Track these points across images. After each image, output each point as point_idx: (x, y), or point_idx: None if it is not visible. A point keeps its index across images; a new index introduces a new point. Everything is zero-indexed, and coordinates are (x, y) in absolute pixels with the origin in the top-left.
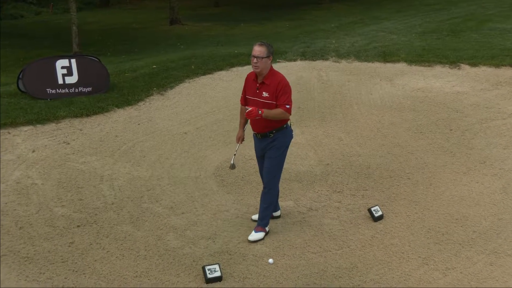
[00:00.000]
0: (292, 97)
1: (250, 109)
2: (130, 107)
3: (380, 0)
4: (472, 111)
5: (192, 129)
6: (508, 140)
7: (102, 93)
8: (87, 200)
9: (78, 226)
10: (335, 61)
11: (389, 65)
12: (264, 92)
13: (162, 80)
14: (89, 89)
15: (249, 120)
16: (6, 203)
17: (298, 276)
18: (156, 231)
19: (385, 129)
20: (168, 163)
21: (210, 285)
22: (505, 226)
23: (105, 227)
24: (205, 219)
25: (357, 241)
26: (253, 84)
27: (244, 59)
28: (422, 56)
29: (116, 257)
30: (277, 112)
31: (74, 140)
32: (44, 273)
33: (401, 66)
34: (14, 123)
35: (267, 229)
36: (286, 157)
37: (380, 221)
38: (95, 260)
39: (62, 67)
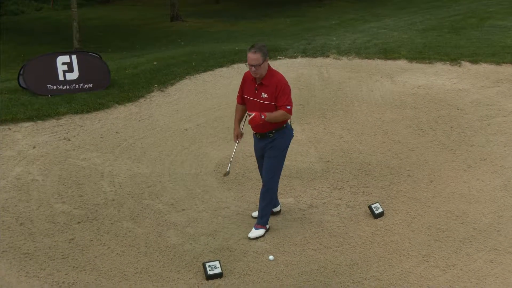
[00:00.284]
0: (293, 94)
1: (252, 115)
2: (131, 103)
3: None
4: (472, 109)
5: (193, 126)
6: (509, 137)
7: (103, 89)
8: (88, 196)
9: (78, 222)
10: (336, 58)
11: (389, 62)
12: (263, 93)
13: (163, 77)
14: (90, 85)
15: (246, 119)
16: (6, 199)
17: (299, 273)
18: (156, 228)
19: (386, 126)
20: (169, 159)
21: (210, 281)
22: (505, 223)
23: (106, 224)
24: (205, 216)
25: (357, 238)
26: (251, 84)
27: (244, 56)
28: (422, 53)
29: (117, 253)
30: (278, 114)
31: (74, 136)
32: (44, 269)
33: (402, 63)
34: (15, 119)
35: (267, 226)
36: (287, 154)
37: (381, 218)
38: (96, 257)
39: (63, 63)
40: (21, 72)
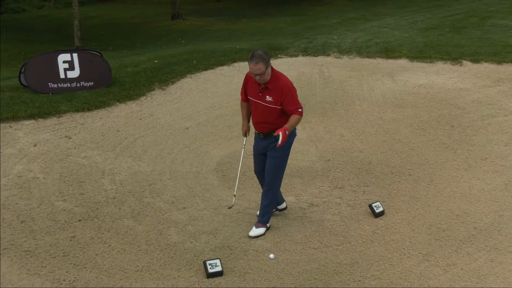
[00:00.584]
0: None
1: (280, 137)
2: (132, 102)
3: None
4: (473, 108)
5: (194, 124)
6: (510, 137)
7: (104, 87)
8: (89, 194)
9: (79, 220)
10: (336, 57)
11: (390, 61)
12: (267, 96)
13: (164, 75)
14: (91, 83)
15: (251, 119)
16: (7, 197)
17: (299, 272)
18: (157, 226)
19: (387, 125)
20: (170, 158)
21: (211, 279)
22: (506, 222)
23: (107, 222)
24: (206, 214)
25: (358, 237)
26: (255, 86)
27: (245, 54)
28: (424, 52)
29: (118, 251)
30: (294, 121)
31: (75, 134)
32: (45, 267)
33: (403, 62)
34: (16, 117)
35: (268, 224)
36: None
37: (381, 217)
38: (97, 254)
39: (64, 62)
40: (22, 70)
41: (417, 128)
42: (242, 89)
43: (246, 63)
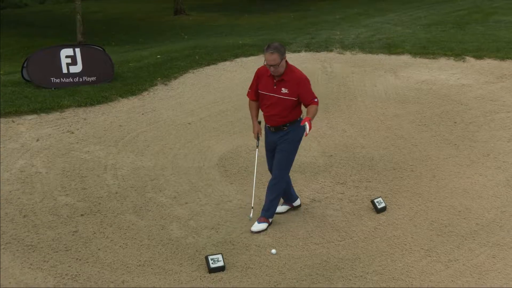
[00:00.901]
0: None
1: (307, 127)
2: (134, 97)
3: None
4: (476, 104)
5: (196, 120)
6: None
7: (106, 82)
8: (91, 189)
9: (82, 215)
10: (339, 53)
11: (393, 57)
12: (283, 89)
13: (166, 70)
14: (93, 78)
15: (262, 113)
16: (10, 192)
17: (301, 267)
18: (159, 221)
19: (389, 121)
20: (172, 153)
21: (213, 274)
22: (508, 218)
23: (109, 216)
24: (208, 209)
25: (360, 232)
26: (268, 80)
27: (248, 49)
28: (426, 48)
29: (120, 246)
30: (313, 110)
31: (78, 129)
32: (47, 261)
33: (406, 58)
34: (18, 112)
35: (270, 220)
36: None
37: (383, 213)
38: (99, 249)
39: (67, 56)
40: (25, 65)
41: (420, 124)
42: (251, 87)
43: (249, 58)
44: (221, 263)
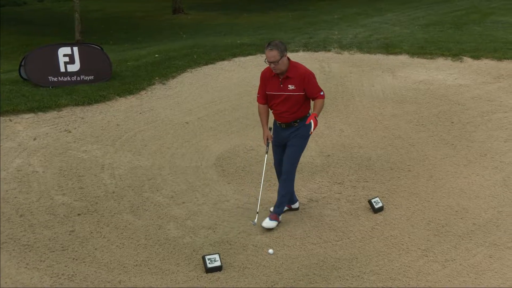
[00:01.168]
0: None
1: (312, 124)
2: (132, 96)
3: None
4: (473, 104)
5: (194, 119)
6: (509, 133)
7: (104, 81)
8: (88, 188)
9: (78, 214)
10: (337, 53)
11: (391, 57)
12: (289, 85)
13: (164, 70)
14: (91, 77)
15: (272, 112)
16: (7, 191)
17: (298, 267)
18: (156, 221)
19: (387, 121)
20: (169, 152)
21: (210, 274)
22: (504, 218)
23: (106, 216)
24: (205, 209)
25: (357, 232)
26: (274, 80)
27: (246, 49)
28: (424, 49)
29: (117, 245)
30: (320, 105)
31: (75, 128)
32: (44, 261)
33: (404, 58)
34: (16, 111)
35: (280, 218)
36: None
37: (380, 213)
38: (96, 249)
39: (64, 55)
40: (22, 63)
41: (417, 124)
42: (259, 92)
43: (247, 58)
44: (218, 263)
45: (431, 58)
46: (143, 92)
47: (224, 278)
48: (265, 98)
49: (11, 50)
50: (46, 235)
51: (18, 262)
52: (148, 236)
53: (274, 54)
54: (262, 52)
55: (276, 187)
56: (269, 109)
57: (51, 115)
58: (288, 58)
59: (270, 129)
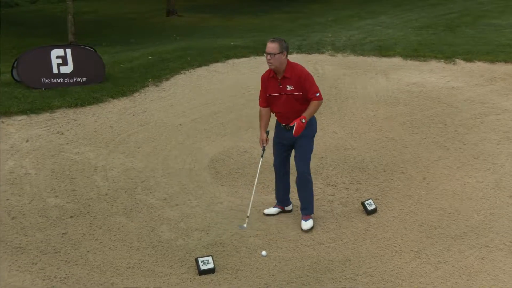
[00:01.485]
0: None
1: (295, 127)
2: (125, 98)
3: None
4: (466, 106)
5: (187, 121)
6: (502, 135)
7: (97, 83)
8: (81, 190)
9: (71, 216)
10: (331, 55)
11: (384, 59)
12: (288, 86)
13: (158, 72)
14: (84, 79)
15: (275, 114)
16: None
17: (291, 269)
18: (149, 223)
19: (380, 123)
20: (163, 154)
21: (203, 277)
22: (497, 220)
23: (99, 218)
24: (198, 211)
25: (350, 234)
26: (272, 82)
27: (240, 51)
28: (417, 51)
29: (109, 248)
30: (313, 106)
31: (68, 130)
32: (36, 264)
33: (397, 60)
34: (8, 113)
35: (312, 215)
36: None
37: (373, 215)
38: (88, 251)
39: (57, 57)
40: (15, 65)
41: (410, 126)
42: (260, 96)
43: (241, 60)
44: (211, 265)
45: (424, 61)
46: (136, 94)
47: (217, 280)
48: (266, 101)
49: (3, 52)
50: (38, 237)
51: (10, 265)
52: (141, 239)
53: (273, 46)
54: (256, 54)
55: (270, 189)
56: (272, 113)
57: (43, 117)
58: (288, 60)
59: (267, 132)
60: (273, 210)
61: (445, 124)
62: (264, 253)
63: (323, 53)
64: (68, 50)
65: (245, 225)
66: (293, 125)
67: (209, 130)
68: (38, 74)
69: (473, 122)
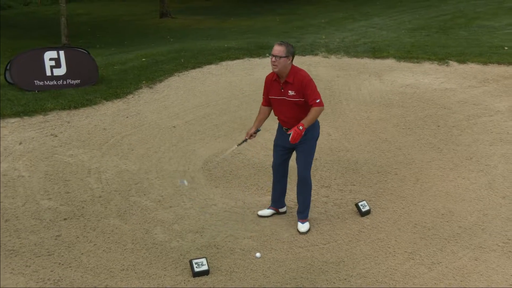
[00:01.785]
0: None
1: (292, 135)
2: (119, 100)
3: None
4: (459, 108)
5: (181, 123)
6: (494, 136)
7: (91, 85)
8: (74, 193)
9: (65, 219)
10: (324, 57)
11: (378, 61)
12: (290, 91)
13: (151, 73)
14: (78, 81)
15: (278, 117)
16: None
17: (285, 270)
18: (143, 225)
19: (374, 125)
20: (156, 156)
21: (197, 278)
22: (490, 221)
23: (92, 220)
24: (192, 213)
25: (344, 235)
26: (275, 85)
27: (233, 53)
28: (411, 53)
29: (103, 250)
30: (313, 113)
31: (61, 132)
32: (30, 266)
33: (390, 62)
34: (1, 115)
35: (307, 218)
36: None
37: (367, 216)
38: (82, 253)
39: (51, 59)
40: (8, 67)
41: (404, 127)
42: (263, 95)
43: (234, 61)
44: (205, 267)
45: (417, 62)
46: (130, 96)
47: (211, 282)
48: (267, 101)
49: None
50: (32, 240)
51: (4, 268)
52: (135, 241)
53: (280, 49)
54: (250, 56)
55: (264, 191)
56: (275, 116)
57: (37, 119)
58: (293, 65)
59: (258, 130)
60: (267, 211)
61: (439, 126)
62: (258, 254)
63: (316, 54)
64: (62, 52)
65: (185, 181)
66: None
67: (203, 132)
68: (31, 77)
69: (466, 124)
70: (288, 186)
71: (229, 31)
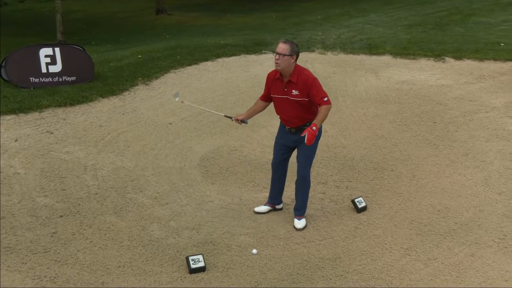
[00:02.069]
0: None
1: (306, 137)
2: (115, 96)
3: None
4: (455, 104)
5: (177, 120)
6: (490, 133)
7: (86, 82)
8: (70, 190)
9: (61, 216)
10: (321, 53)
11: (374, 57)
12: (293, 91)
13: (147, 70)
14: (73, 78)
15: (280, 116)
16: None
17: (282, 267)
18: (140, 222)
19: (370, 121)
20: (153, 153)
21: (193, 275)
22: (486, 217)
23: (88, 217)
24: (189, 210)
25: (340, 232)
26: (278, 83)
27: (230, 50)
28: (407, 49)
29: (99, 247)
30: (323, 112)
31: (57, 129)
32: (26, 263)
33: (386, 58)
34: None
35: (304, 215)
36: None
37: (364, 212)
38: (78, 250)
39: (46, 56)
40: (3, 64)
41: (400, 124)
42: (264, 91)
43: (231, 58)
44: (201, 264)
45: (413, 59)
46: (126, 93)
47: (208, 279)
48: (266, 97)
49: None
50: (28, 237)
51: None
52: (131, 237)
53: (284, 47)
54: (246, 52)
55: (261, 187)
56: (278, 115)
57: (32, 116)
58: (297, 64)
59: (246, 122)
60: (263, 208)
61: (435, 122)
62: (254, 251)
63: (313, 51)
64: (57, 49)
65: (178, 97)
66: (297, 129)
67: (199, 129)
68: (26, 74)
69: (462, 120)
70: (285, 183)
71: (225, 28)
